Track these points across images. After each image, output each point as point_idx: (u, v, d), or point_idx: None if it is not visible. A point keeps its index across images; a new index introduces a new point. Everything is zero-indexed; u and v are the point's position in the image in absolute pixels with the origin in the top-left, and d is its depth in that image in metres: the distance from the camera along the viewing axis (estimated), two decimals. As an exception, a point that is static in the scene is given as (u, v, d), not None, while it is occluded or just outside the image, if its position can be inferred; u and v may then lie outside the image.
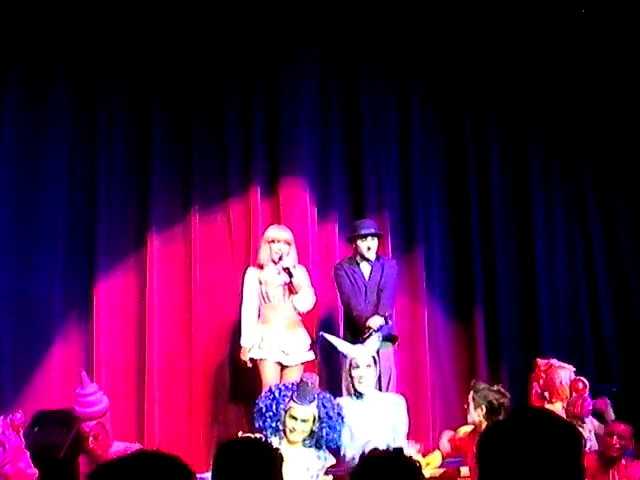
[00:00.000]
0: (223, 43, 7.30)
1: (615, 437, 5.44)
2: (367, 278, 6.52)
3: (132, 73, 7.17)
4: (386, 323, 6.30)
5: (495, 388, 5.06)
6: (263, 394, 5.49)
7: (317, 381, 5.43)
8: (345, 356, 5.63)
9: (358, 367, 5.46)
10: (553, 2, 7.83)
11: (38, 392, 6.55)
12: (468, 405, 5.03)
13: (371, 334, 6.09)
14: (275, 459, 3.25)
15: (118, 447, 5.30)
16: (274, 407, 5.29)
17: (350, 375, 5.50)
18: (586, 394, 6.10)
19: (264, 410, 5.33)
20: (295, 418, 5.21)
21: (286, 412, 5.23)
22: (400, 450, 3.15)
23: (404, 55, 7.85)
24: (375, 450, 3.09)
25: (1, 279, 6.61)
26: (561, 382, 6.20)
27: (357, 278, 6.51)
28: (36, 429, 5.88)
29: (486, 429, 2.22)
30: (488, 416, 4.87)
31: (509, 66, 8.13)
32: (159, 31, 7.19)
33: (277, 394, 5.35)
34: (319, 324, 6.95)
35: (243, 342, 6.30)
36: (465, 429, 5.32)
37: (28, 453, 5.15)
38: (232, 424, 6.73)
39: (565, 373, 6.25)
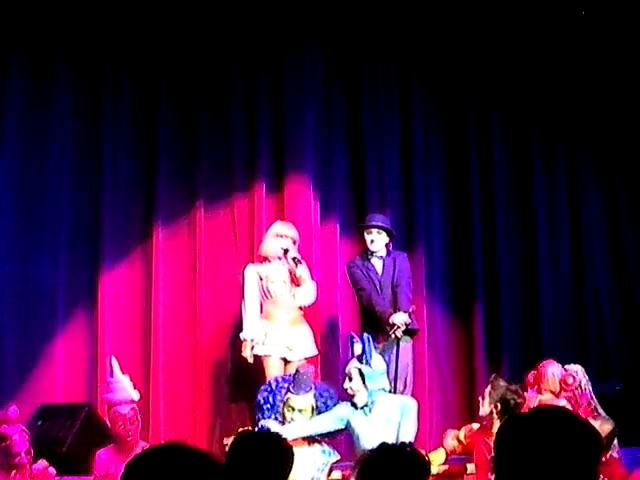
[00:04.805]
0: (229, 41, 7.32)
1: None
2: (380, 273, 6.49)
3: (137, 69, 7.19)
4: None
5: (513, 388, 5.00)
6: (262, 388, 5.49)
7: (313, 371, 5.43)
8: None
9: (347, 380, 5.44)
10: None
11: (42, 385, 6.55)
12: (483, 398, 5.00)
13: (395, 331, 6.06)
14: (287, 452, 3.28)
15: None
16: (271, 399, 5.31)
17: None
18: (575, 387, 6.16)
19: (262, 402, 5.35)
20: (293, 409, 5.22)
21: (284, 404, 5.24)
22: (409, 444, 3.18)
23: (406, 53, 7.85)
24: (384, 444, 3.11)
25: (5, 271, 6.59)
26: (553, 374, 6.26)
27: (371, 274, 6.47)
28: (40, 423, 5.89)
29: (507, 422, 2.21)
30: (501, 414, 4.84)
31: (510, 66, 8.12)
32: (162, 32, 7.20)
33: (274, 386, 5.37)
34: (320, 320, 6.95)
35: (246, 335, 6.20)
36: (470, 427, 5.31)
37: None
38: (235, 418, 6.75)
39: (557, 368, 6.32)
